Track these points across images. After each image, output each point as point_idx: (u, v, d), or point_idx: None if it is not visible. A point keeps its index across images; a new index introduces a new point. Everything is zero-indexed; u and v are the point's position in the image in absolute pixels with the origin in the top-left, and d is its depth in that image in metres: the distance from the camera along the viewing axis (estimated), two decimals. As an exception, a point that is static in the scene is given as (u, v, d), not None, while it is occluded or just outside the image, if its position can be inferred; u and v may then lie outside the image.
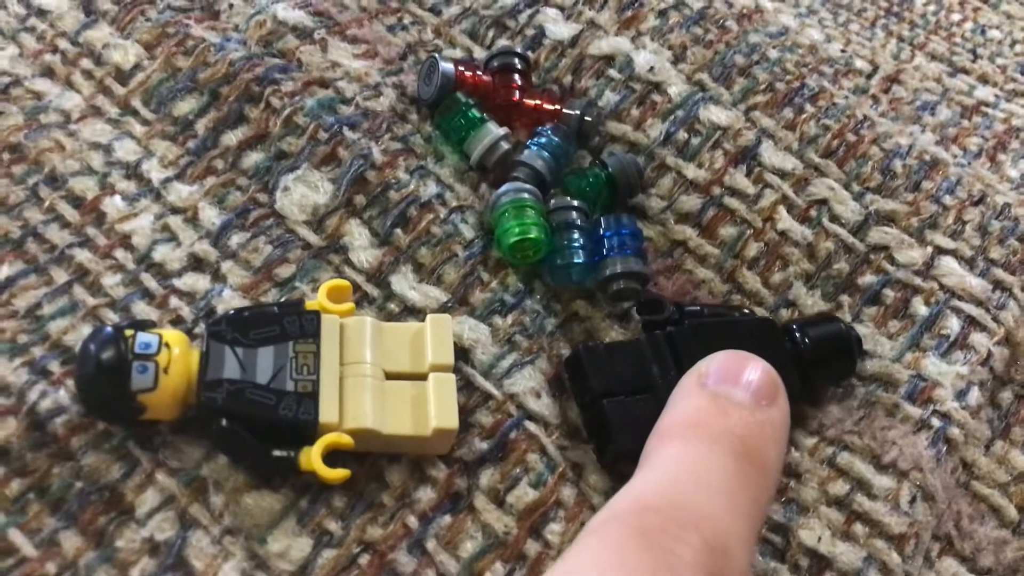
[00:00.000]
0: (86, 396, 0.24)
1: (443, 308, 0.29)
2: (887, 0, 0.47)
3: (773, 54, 0.38)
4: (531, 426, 0.28)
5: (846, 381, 0.31)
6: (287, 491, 0.25)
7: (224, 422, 0.24)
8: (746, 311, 0.31)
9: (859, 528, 0.27)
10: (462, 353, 0.28)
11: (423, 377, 0.27)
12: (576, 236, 0.31)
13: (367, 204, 0.31)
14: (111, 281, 0.28)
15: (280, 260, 0.30)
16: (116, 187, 0.30)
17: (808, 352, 0.29)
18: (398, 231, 0.31)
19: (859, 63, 0.41)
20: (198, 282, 0.29)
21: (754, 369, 0.25)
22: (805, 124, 0.36)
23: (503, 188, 0.31)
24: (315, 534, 0.25)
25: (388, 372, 0.26)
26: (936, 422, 0.30)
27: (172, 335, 0.25)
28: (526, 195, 0.31)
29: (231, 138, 0.32)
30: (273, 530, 0.25)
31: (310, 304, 0.27)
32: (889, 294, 0.33)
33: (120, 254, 0.29)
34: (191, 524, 0.24)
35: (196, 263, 0.29)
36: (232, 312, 0.26)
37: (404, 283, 0.30)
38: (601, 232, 0.31)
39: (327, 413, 0.25)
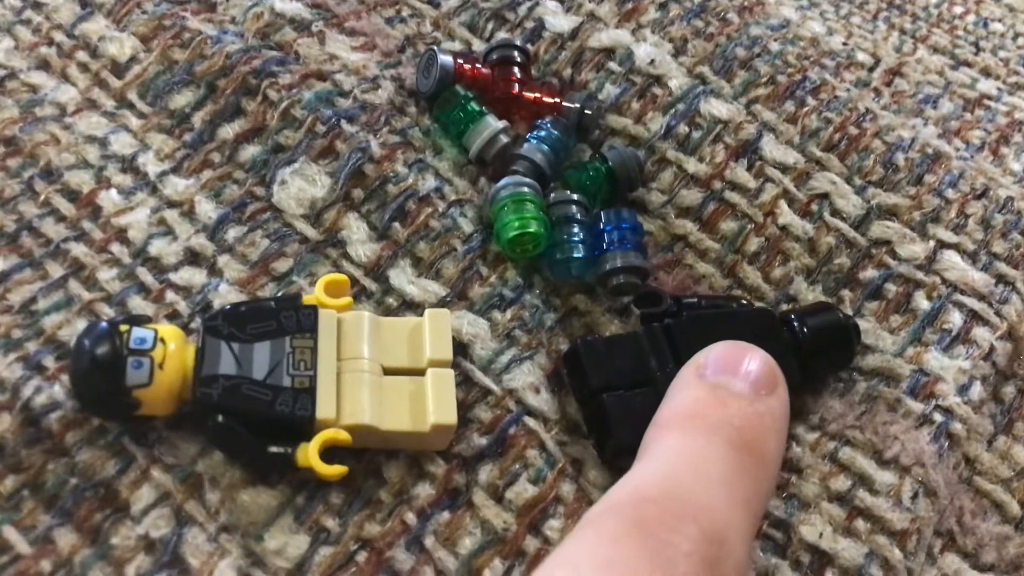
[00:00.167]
0: (81, 392, 0.24)
1: (442, 303, 0.29)
2: (889, -8, 0.46)
3: (774, 47, 0.38)
4: (530, 421, 0.27)
5: (845, 370, 0.31)
6: (284, 488, 0.25)
7: (220, 418, 0.24)
8: (744, 302, 0.30)
9: (861, 524, 0.27)
10: (461, 348, 0.28)
11: (421, 372, 0.26)
12: (576, 230, 0.31)
13: (365, 198, 0.31)
14: (107, 275, 0.28)
15: (277, 254, 0.29)
16: (112, 181, 0.30)
17: (807, 342, 0.29)
18: (396, 225, 0.30)
19: (861, 56, 0.41)
20: (194, 276, 0.28)
21: (753, 359, 0.25)
22: (806, 117, 0.36)
23: (502, 182, 0.31)
24: (312, 531, 0.25)
25: (386, 367, 0.26)
26: (938, 417, 0.29)
27: (167, 330, 0.25)
28: (525, 189, 0.31)
29: (228, 131, 0.32)
30: (270, 527, 0.24)
31: (307, 299, 0.26)
32: (891, 288, 0.32)
33: (116, 248, 0.29)
34: (187, 521, 0.24)
35: (192, 257, 0.29)
36: (228, 307, 0.26)
37: (402, 277, 0.29)
38: (601, 226, 0.31)
39: (324, 409, 0.24)
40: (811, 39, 0.40)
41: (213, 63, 0.32)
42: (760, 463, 0.23)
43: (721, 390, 0.24)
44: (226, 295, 0.28)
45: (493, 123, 0.33)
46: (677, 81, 0.36)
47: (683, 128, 0.35)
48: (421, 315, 0.28)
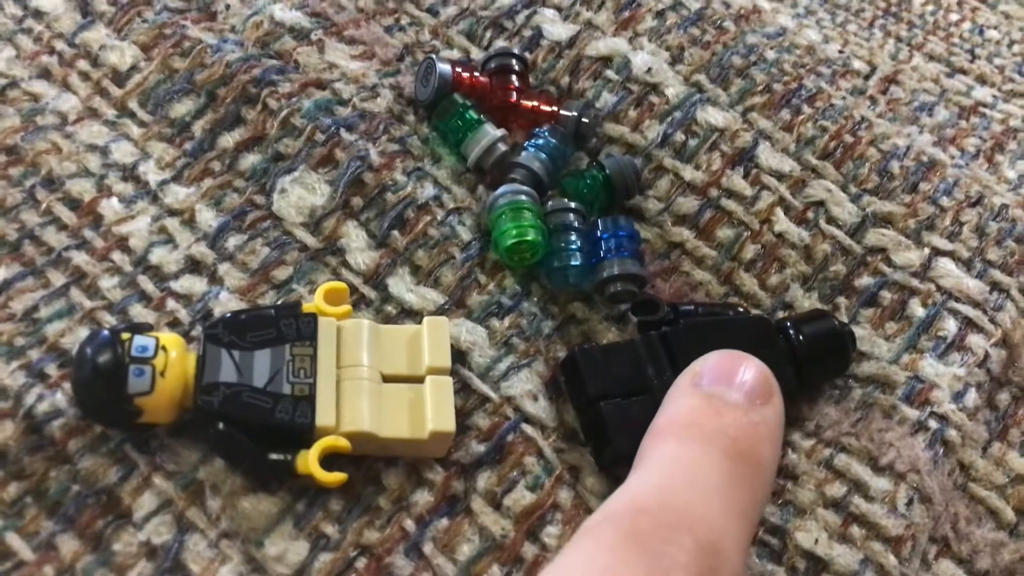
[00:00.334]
0: (82, 399, 0.24)
1: (440, 310, 0.29)
2: (885, 0, 0.47)
3: (771, 55, 0.38)
4: (528, 429, 0.28)
5: (841, 377, 0.31)
6: (284, 494, 0.25)
7: (221, 425, 0.24)
8: (740, 309, 0.31)
9: (856, 530, 0.27)
10: (459, 356, 0.28)
11: (420, 380, 0.27)
12: (573, 238, 0.31)
13: (364, 206, 0.31)
14: (108, 284, 0.28)
15: (277, 262, 0.30)
16: (113, 189, 0.30)
17: (803, 349, 0.29)
18: (395, 233, 0.30)
19: (857, 64, 0.41)
20: (195, 284, 0.29)
21: (748, 369, 0.25)
22: (802, 125, 0.36)
23: (500, 190, 0.31)
24: (312, 537, 0.25)
25: (385, 375, 0.26)
26: (933, 424, 0.30)
27: (169, 338, 0.25)
28: (523, 197, 0.31)
29: (228, 140, 0.32)
30: (270, 533, 0.25)
31: (307, 306, 0.27)
32: (886, 296, 0.33)
33: (117, 256, 0.29)
34: (188, 527, 0.24)
35: (193, 265, 0.29)
36: (229, 315, 0.26)
37: (401, 285, 0.30)
38: (598, 234, 0.31)
39: (324, 416, 0.25)
40: (807, 47, 0.40)
41: (213, 72, 0.33)
42: (755, 472, 0.23)
43: (716, 400, 0.24)
44: (226, 303, 0.28)
45: (491, 131, 0.33)
46: (674, 89, 0.36)
47: (680, 136, 0.35)
48: (420, 323, 0.28)
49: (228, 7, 0.35)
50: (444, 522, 0.26)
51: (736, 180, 0.34)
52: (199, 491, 0.25)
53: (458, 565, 0.25)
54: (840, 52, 0.42)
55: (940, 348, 0.31)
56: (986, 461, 0.30)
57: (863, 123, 0.37)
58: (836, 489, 0.28)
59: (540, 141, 0.33)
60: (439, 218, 0.31)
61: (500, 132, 0.33)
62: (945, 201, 0.35)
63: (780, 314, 0.32)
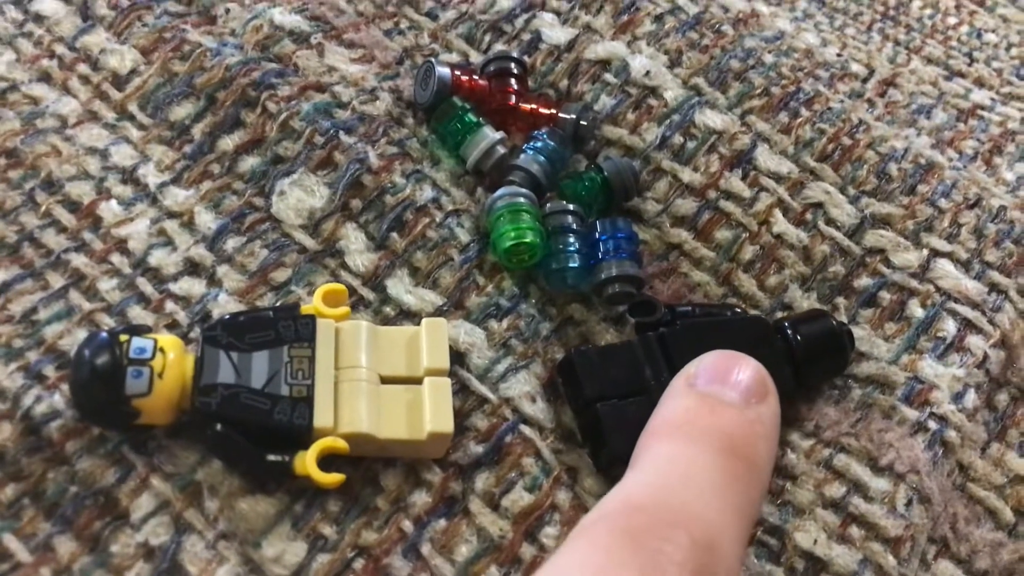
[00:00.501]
0: (80, 401, 0.24)
1: (439, 312, 0.29)
2: (883, 4, 0.47)
3: (769, 58, 0.38)
4: (526, 430, 0.28)
5: (839, 377, 0.31)
6: (282, 495, 0.25)
7: (219, 427, 0.24)
8: (737, 310, 0.31)
9: (855, 530, 0.27)
10: (457, 357, 0.28)
11: (418, 381, 0.27)
12: (572, 240, 0.31)
13: (363, 208, 0.31)
14: (107, 286, 0.28)
15: (276, 264, 0.30)
16: (112, 192, 0.30)
17: (800, 349, 0.29)
18: (394, 235, 0.31)
19: (855, 67, 0.41)
20: (194, 286, 0.29)
21: (743, 368, 0.25)
22: (800, 128, 0.36)
23: (499, 192, 0.31)
24: (310, 538, 0.25)
25: (383, 376, 0.26)
26: (933, 424, 0.30)
27: (167, 340, 0.25)
28: (522, 199, 0.31)
29: (227, 143, 0.32)
30: (268, 535, 0.25)
31: (306, 308, 0.27)
32: (885, 296, 0.33)
33: (116, 259, 0.29)
34: (186, 529, 0.24)
35: (192, 267, 0.29)
36: (227, 316, 0.26)
37: (400, 287, 0.30)
38: (596, 236, 0.31)
39: (322, 417, 0.25)
40: (805, 51, 0.40)
41: (213, 75, 0.33)
42: (751, 470, 0.23)
43: (711, 399, 0.24)
44: (225, 305, 0.28)
45: (490, 134, 0.33)
46: (672, 92, 0.36)
47: (678, 138, 0.35)
48: (418, 324, 0.28)
49: (228, 11, 0.35)
50: (442, 523, 0.26)
51: (734, 182, 0.34)
52: (197, 492, 0.25)
53: (456, 566, 0.25)
54: (838, 55, 0.42)
55: (939, 349, 0.31)
56: (985, 462, 0.30)
57: (861, 126, 0.37)
58: (835, 489, 0.28)
59: (539, 144, 0.33)
60: (438, 220, 0.31)
61: (499, 135, 0.33)
62: (943, 203, 0.35)
63: (779, 315, 0.32)
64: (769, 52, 0.39)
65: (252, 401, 0.24)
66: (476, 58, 0.37)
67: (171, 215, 0.30)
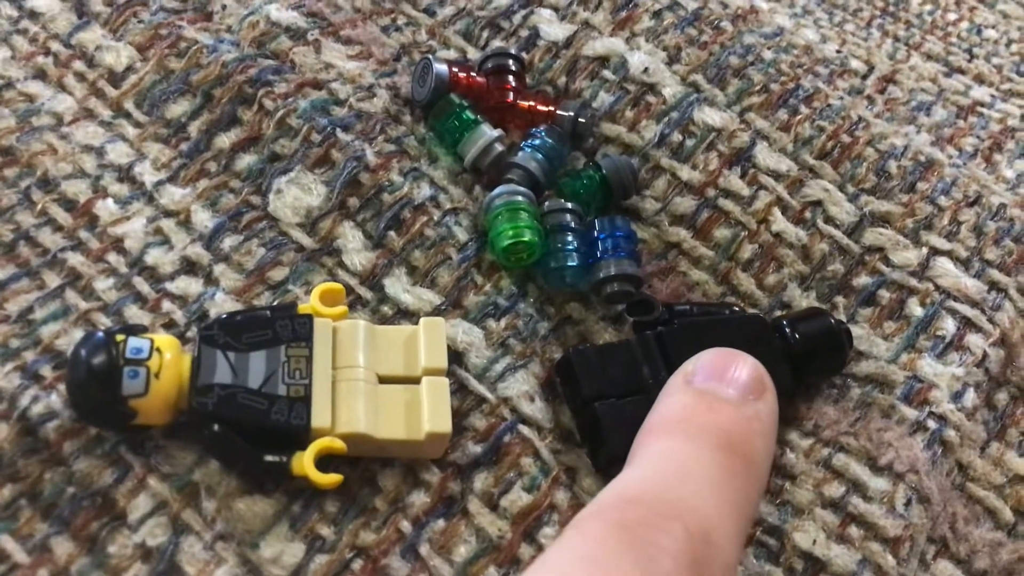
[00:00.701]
0: (77, 401, 0.24)
1: (437, 311, 0.29)
2: (883, 0, 0.47)
3: (768, 55, 0.38)
4: (525, 430, 0.27)
5: (838, 376, 0.31)
6: (279, 496, 0.25)
7: (216, 427, 0.24)
8: (735, 308, 0.30)
9: (854, 530, 0.27)
10: (456, 356, 0.28)
11: (416, 381, 0.26)
12: (570, 238, 0.31)
13: (360, 206, 0.31)
14: (103, 285, 0.28)
15: (273, 263, 0.29)
16: (108, 190, 0.30)
17: (798, 347, 0.29)
18: (392, 233, 0.30)
19: (854, 63, 0.41)
20: (191, 285, 0.29)
21: (741, 365, 0.25)
22: (800, 125, 0.36)
23: (497, 190, 0.31)
24: (308, 539, 0.25)
25: (381, 376, 0.26)
26: (932, 424, 0.29)
27: (163, 340, 0.25)
28: (520, 197, 0.31)
29: (224, 140, 0.32)
30: (266, 535, 0.24)
31: (303, 307, 0.27)
32: (884, 295, 0.33)
33: (112, 258, 0.29)
34: (183, 530, 0.24)
35: (189, 266, 0.29)
36: (224, 316, 0.26)
37: (398, 286, 0.30)
38: (595, 234, 0.31)
39: (319, 417, 0.25)
40: (805, 47, 0.40)
41: (209, 72, 0.32)
42: (749, 466, 0.23)
43: (709, 396, 0.24)
44: (222, 304, 0.28)
45: (488, 131, 0.33)
46: (671, 89, 0.36)
47: (677, 136, 0.35)
48: (416, 324, 0.28)
49: (224, 7, 0.35)
50: (441, 523, 0.26)
51: (733, 180, 0.34)
52: (194, 493, 0.25)
53: (455, 566, 0.25)
54: (838, 52, 0.42)
55: (939, 348, 0.31)
56: (984, 461, 0.30)
57: (861, 123, 0.37)
58: (834, 489, 0.28)
59: (537, 141, 0.33)
60: (436, 218, 0.31)
61: (497, 132, 0.33)
62: (943, 200, 0.35)
63: (778, 313, 0.32)
64: (768, 49, 0.39)
65: (249, 401, 0.24)
66: (474, 55, 0.37)
67: (168, 214, 0.30)
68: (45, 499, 0.24)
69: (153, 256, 0.29)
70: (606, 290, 0.30)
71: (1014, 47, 0.46)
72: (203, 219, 0.30)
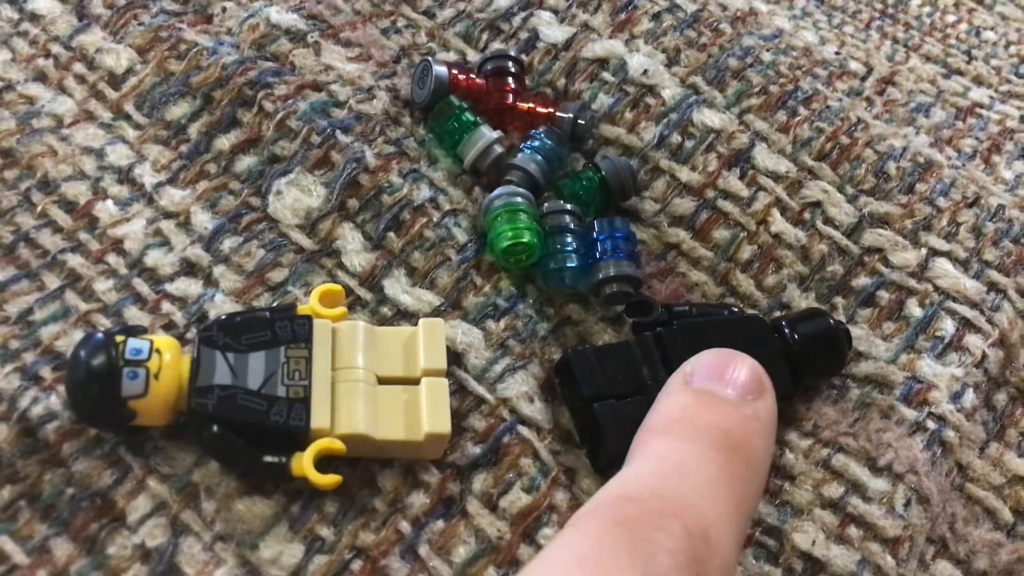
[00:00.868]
0: (77, 402, 0.24)
1: (436, 312, 0.29)
2: (882, 2, 0.47)
3: (767, 57, 0.38)
4: (524, 430, 0.27)
5: (837, 376, 0.31)
6: (279, 497, 0.25)
7: (215, 428, 0.24)
8: (735, 309, 0.30)
9: (853, 531, 0.27)
10: (455, 357, 0.28)
11: (416, 382, 0.26)
12: (569, 240, 0.31)
13: (360, 208, 0.31)
14: (103, 286, 0.28)
15: (273, 264, 0.30)
16: (108, 192, 0.30)
17: (798, 348, 0.29)
18: (391, 235, 0.30)
19: (853, 65, 0.41)
20: (190, 287, 0.29)
21: (740, 366, 0.25)
22: (799, 127, 0.36)
23: (496, 192, 0.31)
24: (307, 540, 0.25)
25: (381, 377, 0.26)
26: (931, 424, 0.29)
27: (163, 341, 0.25)
28: (519, 199, 0.31)
29: (224, 142, 0.32)
30: (265, 536, 0.24)
31: (302, 309, 0.27)
32: (883, 296, 0.33)
33: (112, 259, 0.29)
34: (183, 530, 0.24)
35: (188, 268, 0.29)
36: (223, 317, 0.26)
37: (397, 287, 0.30)
38: (594, 235, 0.31)
39: (319, 418, 0.25)
40: (804, 49, 0.40)
41: (209, 74, 0.33)
42: (748, 465, 0.23)
43: (708, 396, 0.24)
44: (221, 305, 0.28)
45: (487, 133, 0.33)
46: (670, 91, 0.36)
47: (676, 137, 0.35)
48: (415, 324, 0.28)
49: (224, 10, 0.35)
50: (440, 524, 0.26)
51: (732, 181, 0.34)
52: (194, 494, 0.25)
53: (454, 567, 0.25)
54: (836, 54, 0.42)
55: (938, 348, 0.31)
56: (984, 461, 0.30)
57: (860, 124, 0.37)
58: (834, 489, 0.28)
59: (536, 143, 0.33)
60: (435, 220, 0.31)
61: (496, 134, 0.33)
62: (942, 202, 0.35)
63: (777, 314, 0.32)
64: (767, 50, 0.39)
65: (248, 402, 0.24)
66: (473, 57, 0.37)
67: (167, 215, 0.30)
68: (44, 500, 0.24)
69: (153, 257, 0.29)
70: (605, 291, 0.30)
71: (1013, 49, 0.46)
72: (203, 220, 0.30)
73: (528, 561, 0.25)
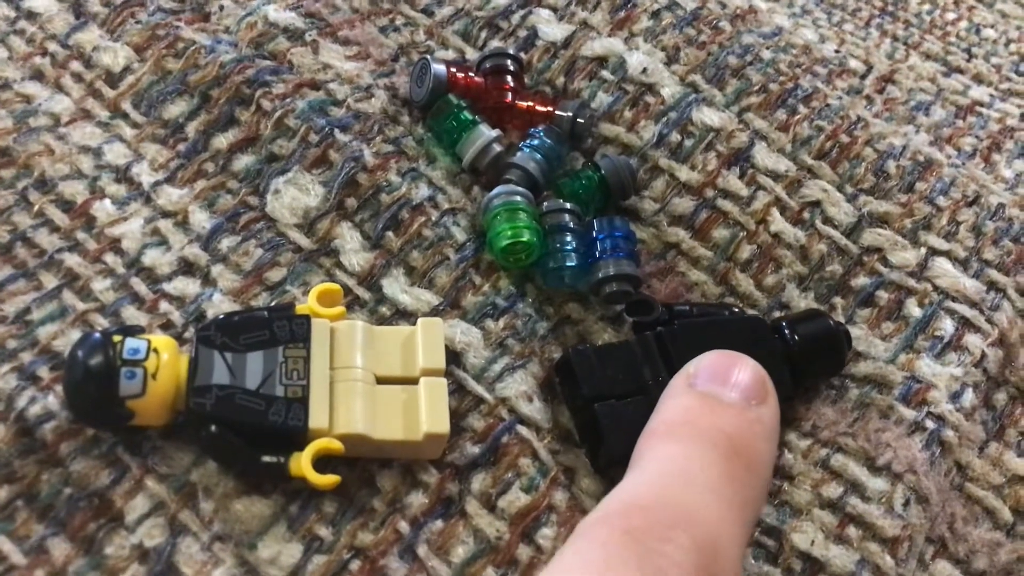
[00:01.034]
0: (74, 402, 0.24)
1: (435, 311, 0.29)
2: (881, 0, 0.47)
3: (766, 55, 0.38)
4: (523, 430, 0.27)
5: (837, 377, 0.31)
6: (277, 497, 0.25)
7: (213, 428, 0.24)
8: (735, 309, 0.30)
9: (852, 531, 0.27)
10: (454, 357, 0.28)
11: (414, 381, 0.26)
12: (569, 239, 0.31)
13: (358, 207, 0.31)
14: (101, 286, 0.28)
15: (271, 263, 0.29)
16: (106, 191, 0.30)
17: (798, 349, 0.29)
18: (390, 234, 0.30)
19: (853, 63, 0.41)
20: (188, 286, 0.29)
21: (743, 369, 0.25)
22: (798, 125, 0.36)
23: (495, 191, 0.31)
24: (305, 540, 0.25)
25: (379, 376, 0.26)
26: (930, 424, 0.29)
27: (161, 340, 0.25)
28: (518, 198, 0.31)
29: (222, 141, 0.32)
30: (263, 536, 0.24)
31: (300, 308, 0.27)
32: (883, 296, 0.33)
33: (110, 258, 0.29)
34: (181, 530, 0.24)
35: (186, 267, 0.29)
36: (222, 317, 0.26)
37: (395, 286, 0.30)
38: (594, 234, 0.31)
39: (317, 418, 0.25)
40: (803, 47, 0.40)
41: (207, 73, 0.32)
42: (752, 470, 0.23)
43: (711, 399, 0.24)
44: (219, 305, 0.28)
45: (486, 132, 0.33)
46: (669, 89, 0.36)
47: (675, 136, 0.35)
48: (414, 324, 0.28)
49: (222, 8, 0.35)
50: (439, 524, 0.26)
51: (732, 180, 0.34)
52: (192, 494, 0.25)
53: (453, 567, 0.25)
54: (836, 52, 0.42)
55: (937, 348, 0.31)
56: (983, 461, 0.30)
57: (859, 123, 0.36)
58: (833, 489, 0.28)
59: (535, 142, 0.33)
60: (434, 219, 0.31)
61: (495, 133, 0.33)
62: (942, 201, 0.35)
63: (776, 314, 0.32)
64: (767, 48, 0.38)
65: (247, 402, 0.24)
66: (472, 55, 0.37)
67: (165, 214, 0.30)
68: (42, 500, 0.24)
69: (151, 257, 0.29)
70: (605, 290, 0.30)
71: (1013, 47, 0.46)
72: (201, 220, 0.30)
73: (527, 561, 0.25)
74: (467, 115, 0.33)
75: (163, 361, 0.24)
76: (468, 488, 0.26)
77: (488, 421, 0.27)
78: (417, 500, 0.26)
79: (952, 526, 0.29)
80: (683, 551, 0.20)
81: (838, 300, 0.32)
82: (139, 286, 0.28)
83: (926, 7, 0.47)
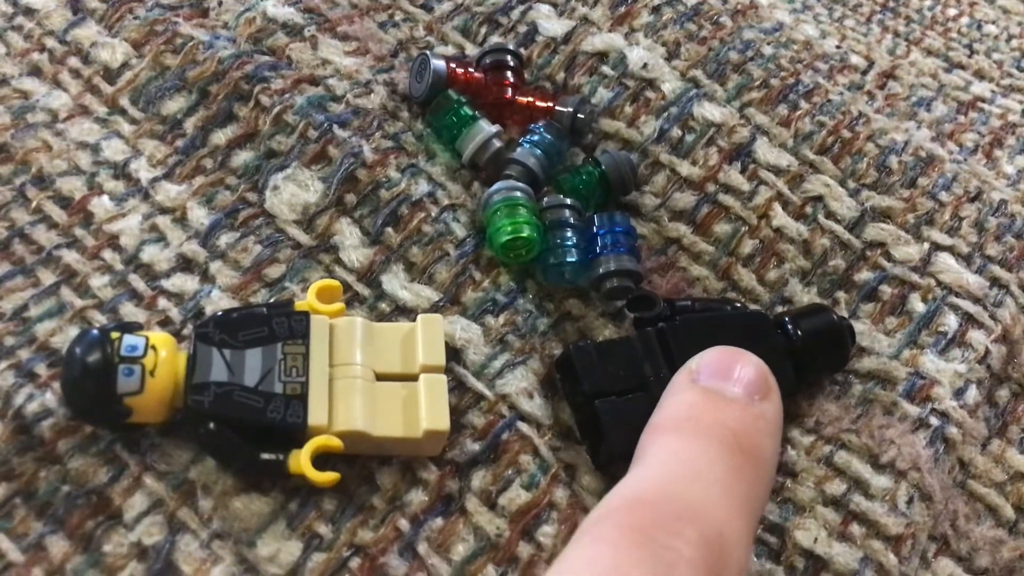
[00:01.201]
0: (72, 399, 0.24)
1: (435, 308, 0.29)
2: (883, -5, 0.46)
3: (768, 50, 0.38)
4: (523, 427, 0.27)
5: (840, 372, 0.31)
6: (276, 494, 0.25)
7: (211, 425, 0.24)
8: (737, 304, 0.30)
9: (856, 528, 0.27)
10: (454, 353, 0.28)
11: (414, 378, 0.26)
12: (569, 234, 0.31)
13: (358, 203, 0.31)
14: (99, 282, 0.28)
15: (270, 260, 0.29)
16: (104, 187, 0.30)
17: (801, 344, 0.29)
18: (389, 230, 0.30)
19: (854, 59, 0.41)
20: (187, 283, 0.28)
21: (746, 364, 0.25)
22: (800, 121, 0.36)
23: (495, 186, 0.31)
24: (305, 537, 0.24)
25: (379, 373, 0.26)
26: (934, 421, 0.29)
27: (159, 337, 0.24)
28: (518, 193, 0.31)
29: (220, 137, 0.32)
30: (262, 534, 0.24)
31: (299, 304, 0.26)
32: (886, 291, 0.32)
33: (108, 255, 0.29)
34: (179, 528, 0.24)
35: (185, 263, 0.29)
36: (220, 313, 0.26)
37: (395, 282, 0.29)
38: (594, 230, 0.31)
39: (316, 415, 0.24)
40: (804, 42, 0.40)
41: (205, 68, 0.32)
42: (756, 466, 0.23)
43: (715, 394, 0.24)
44: (218, 301, 0.28)
45: (486, 127, 0.32)
46: (670, 85, 0.36)
47: (676, 131, 0.35)
48: (414, 320, 0.27)
49: (220, 3, 0.35)
50: (439, 521, 0.25)
51: (733, 175, 0.34)
52: (190, 491, 0.25)
53: (453, 565, 0.25)
54: (838, 47, 0.41)
55: (941, 344, 0.31)
56: (986, 458, 0.30)
57: (861, 118, 0.36)
58: (836, 487, 0.28)
59: (535, 137, 0.33)
60: (433, 215, 0.31)
61: (495, 128, 0.33)
62: (944, 196, 0.35)
63: (779, 309, 0.32)
64: (768, 44, 0.38)
65: (245, 399, 0.24)
66: (472, 51, 0.37)
67: (163, 211, 0.30)
68: (40, 498, 0.24)
69: (149, 253, 0.29)
70: (605, 286, 0.30)
71: (1014, 42, 0.45)
72: (199, 216, 0.30)
73: (527, 559, 0.25)
74: (467, 111, 0.33)
75: (161, 358, 0.24)
76: (468, 485, 0.26)
77: (488, 418, 0.27)
78: (417, 497, 0.26)
79: (954, 523, 0.29)
80: (691, 545, 0.20)
81: (841, 295, 0.32)
82: (137, 283, 0.28)
83: (927, 3, 0.47)
